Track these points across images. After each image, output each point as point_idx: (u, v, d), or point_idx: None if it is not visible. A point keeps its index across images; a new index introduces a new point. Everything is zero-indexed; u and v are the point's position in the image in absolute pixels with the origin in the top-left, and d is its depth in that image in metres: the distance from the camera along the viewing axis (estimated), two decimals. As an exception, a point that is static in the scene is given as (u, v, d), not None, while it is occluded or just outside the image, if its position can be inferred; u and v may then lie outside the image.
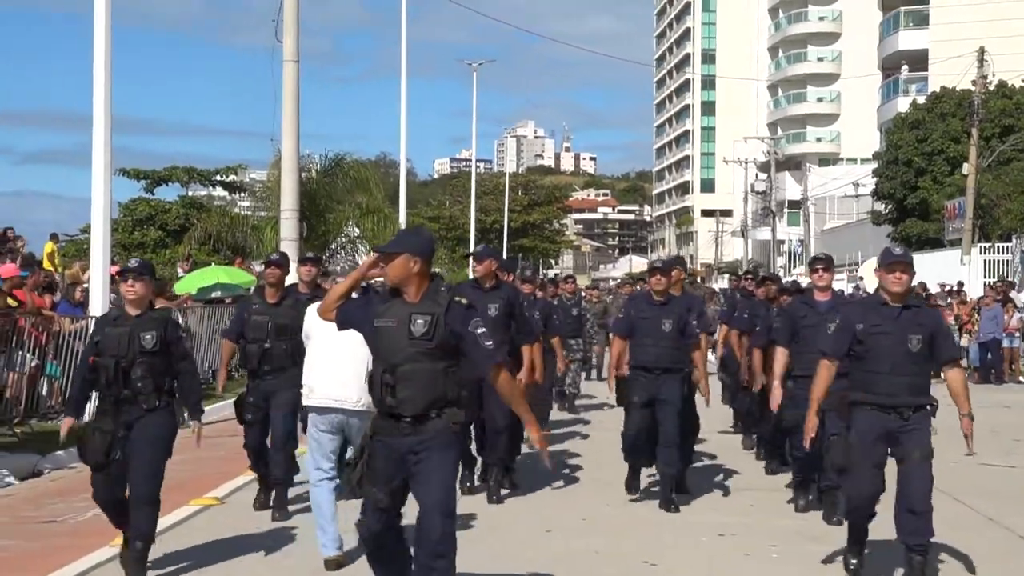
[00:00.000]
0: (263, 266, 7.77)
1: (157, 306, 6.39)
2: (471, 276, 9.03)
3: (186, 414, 5.84)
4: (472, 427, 7.89)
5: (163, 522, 6.26)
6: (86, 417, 5.94)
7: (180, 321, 11.14)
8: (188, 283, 16.54)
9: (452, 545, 4.18)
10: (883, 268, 5.51)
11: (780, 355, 7.61)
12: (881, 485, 5.38)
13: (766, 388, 8.34)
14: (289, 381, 6.56)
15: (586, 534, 6.77)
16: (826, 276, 7.66)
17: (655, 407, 7.65)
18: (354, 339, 6.02)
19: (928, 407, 5.41)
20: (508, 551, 6.53)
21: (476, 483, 8.16)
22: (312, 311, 6.63)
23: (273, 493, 7.27)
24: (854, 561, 5.60)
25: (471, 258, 9.11)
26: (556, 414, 11.83)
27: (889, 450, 5.38)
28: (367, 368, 6.10)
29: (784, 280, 11.80)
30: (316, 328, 6.52)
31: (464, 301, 4.34)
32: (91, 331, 6.57)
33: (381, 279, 4.61)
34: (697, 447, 9.03)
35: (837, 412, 5.58)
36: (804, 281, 13.11)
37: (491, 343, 4.28)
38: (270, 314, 6.71)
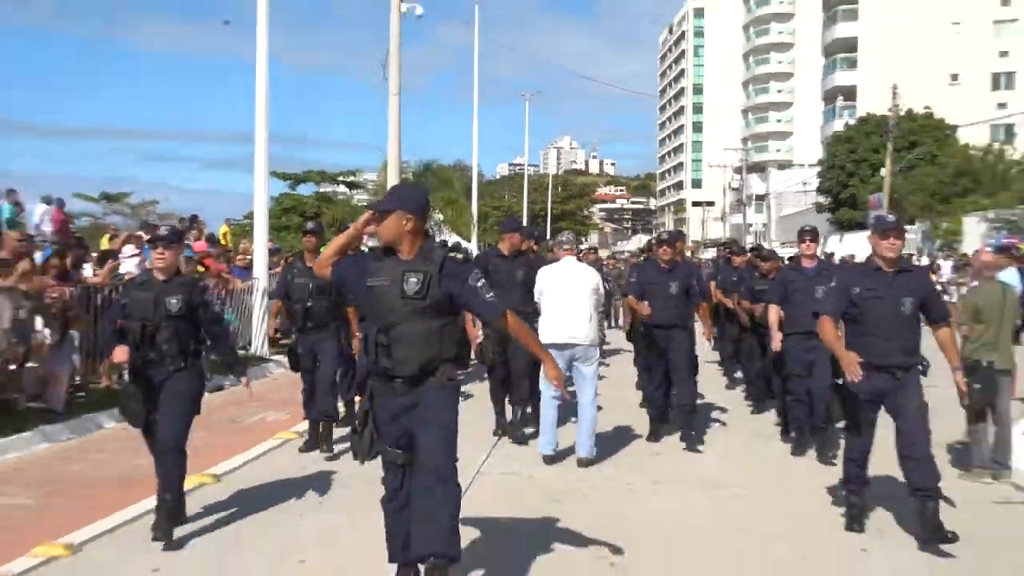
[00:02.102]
0: (301, 235, 7.80)
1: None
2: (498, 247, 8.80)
3: (232, 375, 6.09)
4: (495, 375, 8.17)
5: (236, 460, 6.95)
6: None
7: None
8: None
9: (454, 479, 3.92)
10: (877, 234, 5.26)
11: (772, 311, 7.87)
12: (870, 439, 5.36)
13: (755, 338, 9.31)
14: (331, 334, 6.87)
15: (604, 465, 7.08)
16: (812, 246, 7.89)
17: (667, 356, 8.05)
18: (578, 292, 7.38)
19: (920, 367, 5.24)
20: (534, 479, 6.80)
21: (507, 426, 8.17)
22: (543, 272, 7.67)
23: (320, 428, 7.36)
24: (856, 499, 5.49)
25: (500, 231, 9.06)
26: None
27: (884, 408, 5.26)
28: (589, 312, 7.49)
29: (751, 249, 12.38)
30: (548, 285, 7.51)
31: (460, 256, 4.08)
32: (119, 295, 6.03)
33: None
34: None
35: (834, 372, 5.47)
36: (785, 252, 14.28)
37: (492, 294, 4.00)
38: (309, 277, 6.61)
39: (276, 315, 8.38)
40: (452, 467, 3.90)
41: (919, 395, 5.16)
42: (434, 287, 3.84)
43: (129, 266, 11.82)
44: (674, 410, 8.26)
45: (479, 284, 3.92)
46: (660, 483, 6.71)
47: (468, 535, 5.07)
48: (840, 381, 5.29)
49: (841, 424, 5.85)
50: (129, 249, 12.72)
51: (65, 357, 9.01)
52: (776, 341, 7.81)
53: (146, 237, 12.93)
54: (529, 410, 8.25)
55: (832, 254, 27.39)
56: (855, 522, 5.44)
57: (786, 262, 9.14)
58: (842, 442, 6.18)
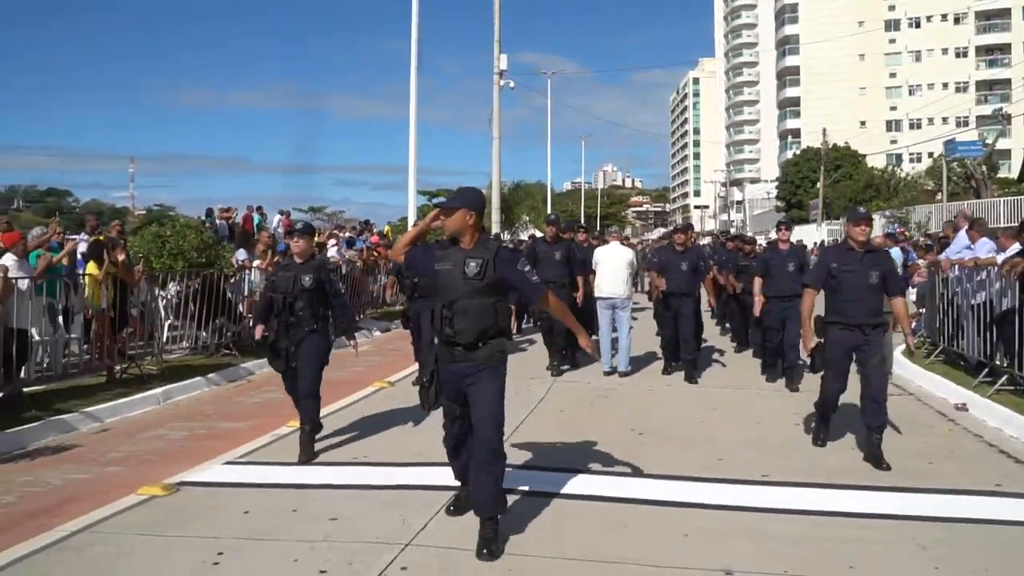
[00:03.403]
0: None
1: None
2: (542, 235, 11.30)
3: (344, 337, 6.76)
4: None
5: (336, 405, 7.91)
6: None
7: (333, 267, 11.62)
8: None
9: (501, 450, 4.41)
10: (851, 223, 6.25)
11: (757, 283, 9.65)
12: (844, 384, 6.27)
13: (744, 303, 11.17)
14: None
15: (625, 402, 8.27)
16: (787, 233, 9.69)
17: (677, 318, 9.77)
18: (618, 264, 9.71)
19: (882, 326, 6.16)
20: (591, 384, 9.21)
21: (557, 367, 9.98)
22: (598, 250, 10.29)
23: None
24: (822, 436, 6.60)
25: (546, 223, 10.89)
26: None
27: (855, 358, 6.18)
28: (627, 276, 9.68)
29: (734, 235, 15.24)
30: (600, 258, 10.01)
31: (510, 247, 4.55)
32: (270, 275, 7.04)
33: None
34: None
35: (815, 330, 6.32)
36: (760, 239, 17.50)
37: (536, 278, 4.49)
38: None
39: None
40: (499, 437, 4.39)
41: (881, 350, 6.12)
42: (490, 271, 4.32)
43: (331, 252, 16.79)
44: (680, 361, 9.90)
45: (526, 269, 4.42)
46: (671, 387, 9.33)
47: (550, 416, 7.60)
48: (822, 339, 6.27)
49: (820, 372, 6.40)
50: (331, 242, 17.68)
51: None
52: (757, 305, 9.59)
53: (344, 235, 18.80)
54: (565, 353, 10.29)
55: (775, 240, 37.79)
56: (818, 439, 6.61)
57: (763, 245, 11.31)
58: (807, 377, 8.24)
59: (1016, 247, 9.18)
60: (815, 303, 6.46)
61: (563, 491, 5.39)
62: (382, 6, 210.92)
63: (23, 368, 8.37)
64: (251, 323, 8.81)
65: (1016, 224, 12.75)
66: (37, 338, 8.78)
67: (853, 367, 6.37)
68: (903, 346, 9.41)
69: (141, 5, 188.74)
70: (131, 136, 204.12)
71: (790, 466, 6.13)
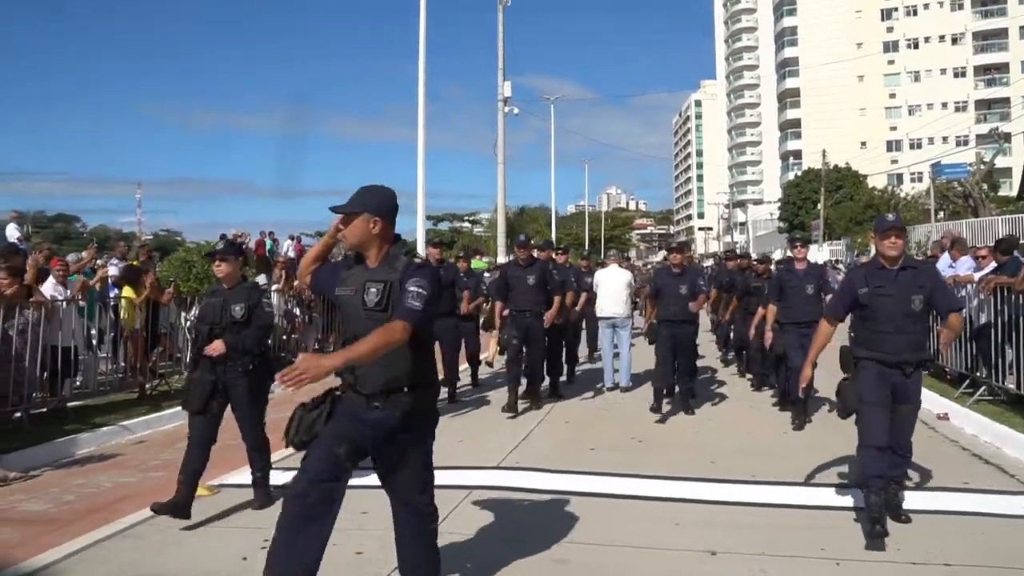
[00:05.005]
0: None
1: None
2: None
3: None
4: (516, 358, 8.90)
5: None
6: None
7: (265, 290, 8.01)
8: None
9: (433, 510, 3.59)
10: (878, 234, 4.99)
11: (769, 313, 8.58)
12: (887, 430, 4.87)
13: (754, 331, 9.71)
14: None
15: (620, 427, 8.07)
16: (803, 251, 8.53)
17: (676, 349, 8.91)
18: (617, 286, 9.84)
19: (925, 364, 5.18)
20: (595, 399, 9.73)
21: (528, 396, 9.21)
22: (599, 273, 10.16)
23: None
24: (876, 499, 4.84)
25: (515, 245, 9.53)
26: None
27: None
28: (626, 297, 9.74)
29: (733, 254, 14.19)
30: (600, 281, 10.20)
31: (418, 260, 3.44)
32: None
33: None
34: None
35: (841, 365, 5.12)
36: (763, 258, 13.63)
37: (418, 304, 3.27)
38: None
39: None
40: (431, 502, 3.56)
41: (917, 395, 4.98)
42: (395, 297, 3.29)
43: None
44: (677, 394, 9.24)
45: (412, 288, 3.28)
46: (669, 402, 9.29)
47: (557, 426, 8.37)
48: (847, 377, 5.05)
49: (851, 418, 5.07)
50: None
51: (312, 331, 13.14)
52: (768, 337, 8.53)
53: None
54: (554, 379, 9.87)
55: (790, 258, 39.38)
56: (875, 536, 4.71)
57: (777, 266, 9.87)
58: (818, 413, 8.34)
59: (993, 264, 9.79)
60: (831, 336, 5.33)
61: (569, 489, 6.02)
62: (387, 30, 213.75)
63: (66, 383, 9.02)
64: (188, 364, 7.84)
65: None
66: (82, 356, 9.45)
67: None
68: None
69: (149, 32, 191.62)
70: (139, 161, 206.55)
71: (775, 468, 6.69)
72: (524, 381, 9.22)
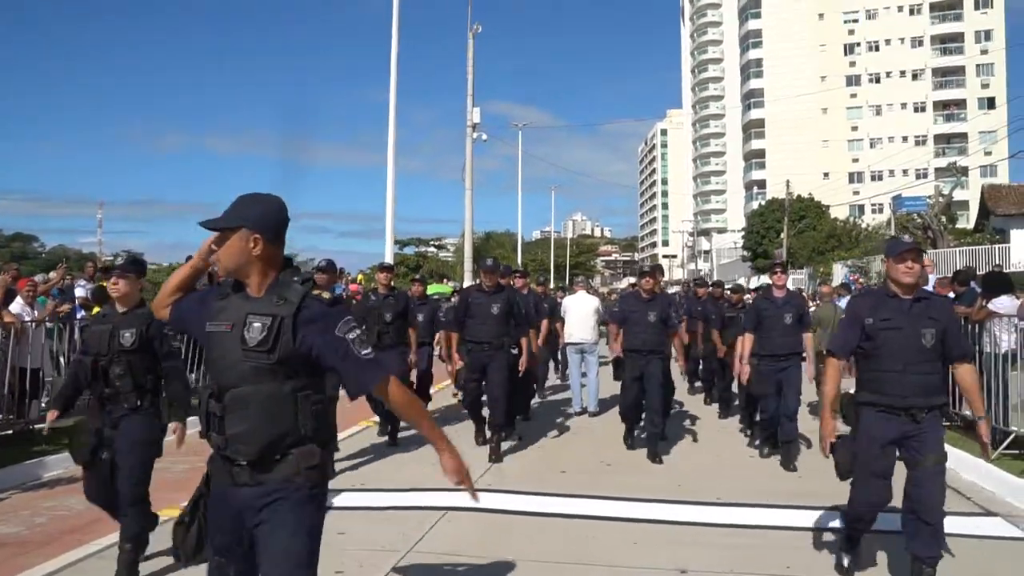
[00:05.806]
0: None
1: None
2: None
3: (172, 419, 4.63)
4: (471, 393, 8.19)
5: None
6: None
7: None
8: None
9: None
10: (892, 258, 4.35)
11: (747, 341, 7.81)
12: (888, 495, 4.33)
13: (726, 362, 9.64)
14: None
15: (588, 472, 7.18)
16: (783, 277, 7.93)
17: (642, 380, 7.98)
18: (585, 312, 10.12)
19: (942, 408, 4.33)
20: (563, 422, 9.84)
21: (484, 440, 8.21)
22: (567, 299, 10.41)
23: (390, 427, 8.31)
24: (847, 558, 4.69)
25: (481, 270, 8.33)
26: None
27: (898, 453, 4.31)
28: (594, 323, 9.81)
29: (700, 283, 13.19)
30: (568, 307, 10.51)
31: (326, 296, 2.97)
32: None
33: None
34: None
35: (843, 415, 4.47)
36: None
37: (369, 351, 2.69)
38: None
39: None
40: None
41: (940, 445, 4.25)
42: (285, 336, 2.62)
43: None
44: (643, 430, 8.24)
45: (351, 336, 2.66)
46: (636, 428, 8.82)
47: (528, 450, 8.42)
48: (842, 436, 4.40)
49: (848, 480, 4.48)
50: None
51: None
52: (744, 372, 7.86)
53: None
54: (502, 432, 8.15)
55: (757, 288, 32.47)
56: (840, 566, 4.69)
57: (754, 294, 9.80)
58: (807, 456, 7.66)
59: (950, 295, 10.11)
60: (840, 376, 4.62)
61: (540, 510, 6.16)
62: (356, 57, 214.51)
63: (33, 405, 8.94)
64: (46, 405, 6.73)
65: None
66: (49, 378, 9.36)
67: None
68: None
69: (116, 50, 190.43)
70: (102, 181, 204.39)
71: (741, 490, 6.88)
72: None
